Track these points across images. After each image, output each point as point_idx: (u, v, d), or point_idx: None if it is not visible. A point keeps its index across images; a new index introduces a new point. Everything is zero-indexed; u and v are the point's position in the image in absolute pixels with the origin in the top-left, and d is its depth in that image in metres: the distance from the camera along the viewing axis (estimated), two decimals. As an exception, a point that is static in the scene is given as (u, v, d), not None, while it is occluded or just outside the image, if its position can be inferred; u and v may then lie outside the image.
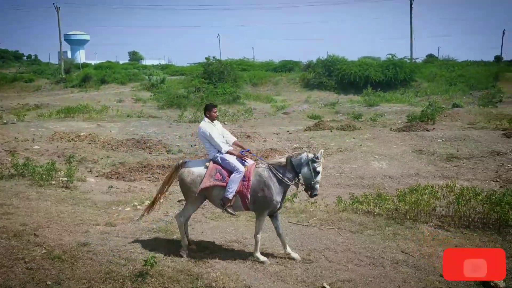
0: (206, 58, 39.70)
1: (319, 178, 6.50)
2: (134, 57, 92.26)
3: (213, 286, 5.75)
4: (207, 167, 6.63)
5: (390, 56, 41.37)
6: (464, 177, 12.27)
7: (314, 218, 8.60)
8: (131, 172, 12.23)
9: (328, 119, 23.64)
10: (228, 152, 6.65)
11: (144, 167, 12.65)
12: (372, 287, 5.80)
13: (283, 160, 6.61)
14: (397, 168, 13.36)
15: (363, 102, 31.02)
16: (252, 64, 54.92)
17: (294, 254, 6.66)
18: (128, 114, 25.04)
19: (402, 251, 7.00)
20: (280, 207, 6.78)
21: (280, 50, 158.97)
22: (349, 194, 9.67)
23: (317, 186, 6.50)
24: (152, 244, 7.21)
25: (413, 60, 47.49)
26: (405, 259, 6.73)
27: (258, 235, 6.57)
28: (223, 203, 6.55)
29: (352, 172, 13.21)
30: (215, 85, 34.21)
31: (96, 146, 15.62)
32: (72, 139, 16.23)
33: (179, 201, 9.69)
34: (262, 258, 6.57)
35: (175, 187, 10.97)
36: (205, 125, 6.77)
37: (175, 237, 7.52)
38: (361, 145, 16.47)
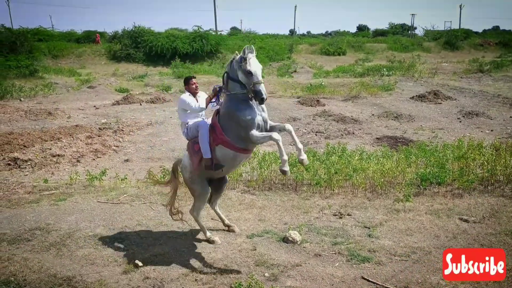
0: (-8, 26, 34.81)
1: (256, 76, 5.52)
2: None
3: (12, 281, 5.21)
4: None
5: (196, 28, 41.91)
6: (267, 143, 13.25)
7: (125, 195, 8.38)
8: None
9: (137, 92, 23.10)
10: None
11: None
12: (185, 258, 5.91)
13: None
14: (206, 138, 13.73)
15: (172, 74, 30.98)
16: (50, 33, 50.09)
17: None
18: None
19: (212, 219, 7.28)
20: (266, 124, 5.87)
21: (82, 19, 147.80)
22: (160, 167, 9.64)
23: (260, 87, 5.45)
24: None
25: (218, 33, 48.95)
26: (215, 226, 7.03)
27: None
28: (206, 166, 5.94)
29: (163, 145, 13.19)
30: (6, 57, 30.36)
31: None
32: None
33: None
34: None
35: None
36: (186, 96, 6.28)
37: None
38: (171, 117, 16.50)
